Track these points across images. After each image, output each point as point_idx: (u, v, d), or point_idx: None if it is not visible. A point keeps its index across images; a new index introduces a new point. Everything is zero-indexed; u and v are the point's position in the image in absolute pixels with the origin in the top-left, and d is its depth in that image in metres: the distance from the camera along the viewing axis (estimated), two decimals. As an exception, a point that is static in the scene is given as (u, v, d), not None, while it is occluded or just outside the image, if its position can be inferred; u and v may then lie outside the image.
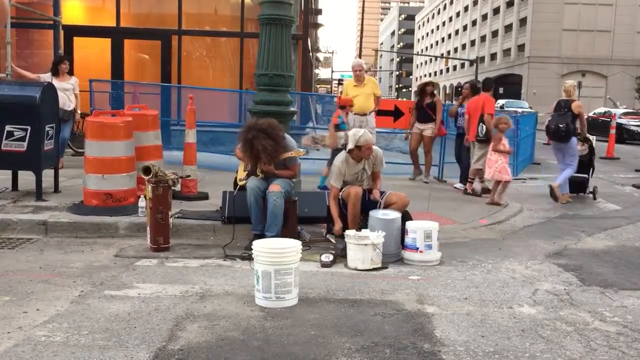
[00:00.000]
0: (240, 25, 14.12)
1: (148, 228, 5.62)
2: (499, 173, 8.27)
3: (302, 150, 6.11)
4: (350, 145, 5.85)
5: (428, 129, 9.93)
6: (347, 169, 5.92)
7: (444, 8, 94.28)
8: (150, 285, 4.51)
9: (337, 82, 72.37)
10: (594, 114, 27.37)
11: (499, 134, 8.37)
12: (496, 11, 69.52)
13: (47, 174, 7.13)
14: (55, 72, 9.36)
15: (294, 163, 6.00)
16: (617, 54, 58.12)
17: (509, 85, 59.99)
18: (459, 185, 9.65)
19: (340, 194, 5.88)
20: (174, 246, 5.65)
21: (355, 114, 9.08)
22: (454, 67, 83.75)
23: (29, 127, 6.66)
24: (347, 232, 5.32)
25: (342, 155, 6.00)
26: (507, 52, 66.07)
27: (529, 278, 5.06)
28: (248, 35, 13.88)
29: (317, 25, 33.10)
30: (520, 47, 62.02)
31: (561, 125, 8.66)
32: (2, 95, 6.71)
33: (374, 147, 6.08)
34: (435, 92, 10.01)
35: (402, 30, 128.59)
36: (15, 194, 7.12)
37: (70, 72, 9.75)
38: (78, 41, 13.41)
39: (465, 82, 10.88)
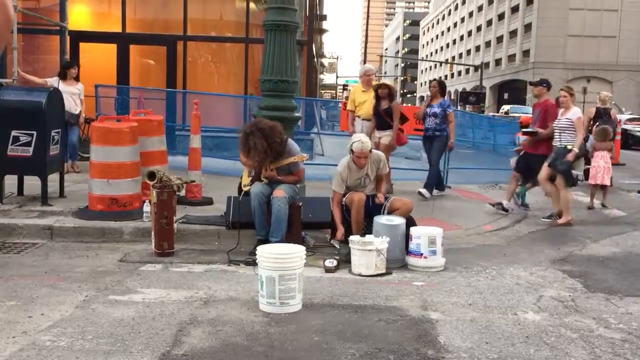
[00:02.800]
0: (245, 30, 14.16)
1: (153, 233, 5.64)
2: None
3: (306, 155, 6.12)
4: (348, 148, 5.85)
5: (385, 137, 8.90)
6: (350, 175, 5.90)
7: (449, 14, 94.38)
8: (154, 290, 4.52)
9: (341, 87, 72.43)
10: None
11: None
12: (501, 17, 69.56)
13: (53, 179, 7.16)
14: (64, 76, 9.41)
15: (298, 168, 6.00)
16: (622, 59, 58.04)
17: (513, 91, 59.97)
18: (423, 191, 8.81)
19: (344, 199, 5.88)
20: (178, 251, 5.66)
21: (363, 119, 9.07)
22: (459, 73, 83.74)
23: (35, 132, 6.69)
24: (351, 237, 5.32)
25: (344, 160, 5.99)
26: (512, 57, 66.03)
27: (534, 284, 5.04)
28: (253, 40, 13.92)
29: (322, 31, 33.15)
30: (525, 53, 62.00)
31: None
32: (8, 101, 6.75)
33: (376, 152, 6.07)
34: (393, 94, 9.19)
35: (407, 35, 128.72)
36: (20, 198, 7.15)
37: (77, 78, 9.81)
38: (84, 46, 13.47)
39: (433, 80, 10.38)
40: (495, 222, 7.62)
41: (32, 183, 7.14)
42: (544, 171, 7.87)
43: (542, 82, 8.48)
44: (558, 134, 7.77)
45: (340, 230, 5.77)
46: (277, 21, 6.49)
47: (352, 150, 5.82)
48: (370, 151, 5.87)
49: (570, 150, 7.59)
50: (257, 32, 13.82)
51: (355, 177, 5.91)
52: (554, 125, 7.85)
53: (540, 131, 8.06)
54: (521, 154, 8.43)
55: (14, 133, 6.66)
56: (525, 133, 8.58)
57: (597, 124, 11.25)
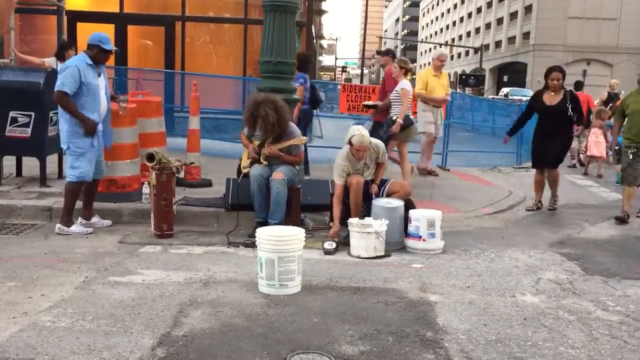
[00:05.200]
0: (244, 11, 14.05)
1: (152, 215, 5.64)
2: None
3: (305, 138, 6.09)
4: (346, 139, 5.75)
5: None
6: (350, 165, 5.77)
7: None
8: (154, 271, 4.53)
9: (340, 69, 72.12)
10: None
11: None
12: (501, -2, 69.06)
13: (51, 160, 7.15)
14: (61, 57, 9.34)
15: (298, 151, 5.99)
16: (622, 42, 57.71)
17: (513, 73, 59.69)
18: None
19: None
20: (177, 233, 5.67)
21: (433, 106, 9.03)
22: (459, 55, 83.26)
23: (33, 113, 6.68)
24: (350, 220, 5.32)
25: (343, 151, 5.81)
26: (512, 39, 65.65)
27: (532, 267, 5.06)
28: (252, 21, 13.82)
29: (321, 12, 32.94)
30: (526, 35, 61.62)
31: None
32: (6, 82, 6.71)
33: (376, 141, 5.97)
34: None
35: (407, 17, 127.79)
36: (19, 179, 7.14)
37: (74, 59, 9.74)
38: (82, 27, 13.35)
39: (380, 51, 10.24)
40: (494, 205, 7.63)
41: (30, 164, 7.13)
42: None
43: (387, 51, 9.21)
44: (391, 106, 8.06)
45: (335, 228, 5.55)
46: (277, 2, 6.42)
47: (350, 143, 5.63)
48: (370, 142, 5.71)
49: (395, 121, 7.80)
50: (256, 12, 13.71)
51: (354, 167, 5.82)
52: (391, 98, 8.12)
53: (379, 104, 8.48)
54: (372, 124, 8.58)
55: (12, 114, 6.64)
56: (366, 106, 9.03)
57: (610, 105, 12.98)
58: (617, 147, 8.02)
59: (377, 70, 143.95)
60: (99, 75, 5.64)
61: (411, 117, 8.11)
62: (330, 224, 5.94)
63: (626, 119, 7.37)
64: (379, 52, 9.17)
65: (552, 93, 7.51)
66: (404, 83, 7.94)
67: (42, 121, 6.68)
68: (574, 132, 7.91)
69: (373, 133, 7.88)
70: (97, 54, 5.55)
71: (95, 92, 5.53)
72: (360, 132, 5.62)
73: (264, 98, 5.70)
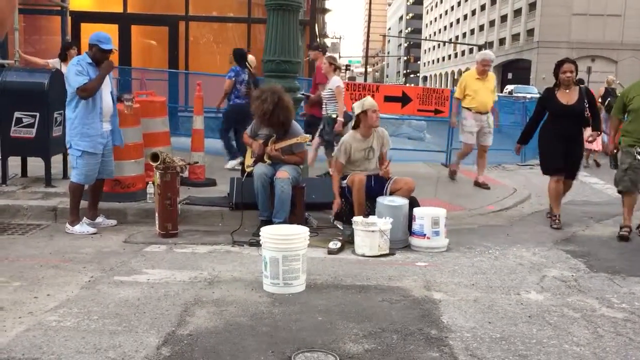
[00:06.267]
0: (247, 10, 14.07)
1: (156, 214, 5.65)
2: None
3: (308, 136, 6.10)
4: (357, 111, 5.85)
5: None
6: (355, 145, 5.87)
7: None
8: (159, 271, 4.54)
9: (344, 67, 72.05)
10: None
11: None
12: (505, -5, 68.87)
13: (56, 160, 7.17)
14: (64, 58, 9.37)
15: (300, 149, 5.99)
16: (627, 38, 57.49)
17: (517, 71, 59.55)
18: (232, 163, 8.64)
19: (345, 181, 5.85)
20: (182, 232, 5.68)
21: (475, 112, 8.25)
22: (462, 53, 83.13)
23: (38, 114, 6.69)
24: (355, 218, 5.32)
25: (350, 132, 6.02)
26: (515, 37, 65.50)
27: (537, 264, 5.06)
28: (255, 20, 13.84)
29: (325, 11, 32.89)
30: (530, 32, 61.46)
31: None
32: (10, 82, 6.73)
33: (381, 128, 6.03)
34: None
35: (410, 15, 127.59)
36: (24, 180, 7.16)
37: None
38: (85, 27, 13.40)
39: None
40: (499, 202, 7.62)
41: (35, 164, 7.15)
42: (316, 140, 8.22)
43: (317, 46, 9.23)
44: (324, 103, 8.05)
45: (337, 203, 5.76)
46: (280, 1, 6.43)
47: (364, 112, 5.78)
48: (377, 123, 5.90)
49: (336, 120, 7.83)
50: (260, 11, 13.74)
51: (360, 147, 5.87)
52: (322, 95, 8.11)
53: (311, 96, 8.52)
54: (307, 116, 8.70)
55: (16, 114, 6.65)
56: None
57: (608, 100, 13.35)
58: (615, 151, 6.53)
59: (380, 69, 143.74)
60: None
61: (349, 112, 8.00)
62: (334, 222, 5.94)
63: (627, 116, 6.31)
64: (310, 47, 9.15)
65: (567, 90, 6.58)
66: (337, 80, 7.97)
67: (46, 122, 6.70)
68: (590, 138, 7.13)
69: (309, 127, 8.10)
70: (97, 54, 5.57)
71: (98, 91, 5.55)
72: (369, 97, 5.96)
73: (279, 95, 5.75)
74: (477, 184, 8.50)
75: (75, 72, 5.44)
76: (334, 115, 7.83)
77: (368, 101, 5.85)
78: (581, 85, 6.80)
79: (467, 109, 8.34)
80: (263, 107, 5.70)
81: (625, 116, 6.36)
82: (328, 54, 8.63)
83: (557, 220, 6.55)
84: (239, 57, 8.74)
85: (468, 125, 8.35)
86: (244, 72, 8.58)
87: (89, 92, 5.44)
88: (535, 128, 6.96)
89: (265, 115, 5.74)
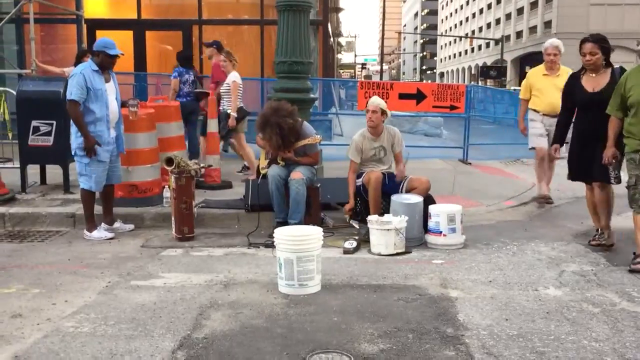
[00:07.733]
0: (260, 12, 14.10)
1: (173, 218, 5.69)
2: None
3: (320, 136, 6.09)
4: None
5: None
6: (365, 144, 5.91)
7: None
8: (175, 274, 4.57)
9: (360, 66, 72.03)
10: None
11: None
12: (521, -13, 68.18)
13: (73, 167, 7.22)
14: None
15: (313, 150, 5.99)
16: (647, 27, 56.56)
17: (536, 64, 58.58)
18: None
19: (361, 179, 5.85)
20: (198, 235, 5.71)
21: (543, 114, 7.15)
22: (479, 47, 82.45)
23: (55, 122, 6.78)
24: (370, 217, 5.31)
25: (361, 130, 6.06)
26: (533, 29, 64.75)
27: (555, 259, 4.99)
28: (268, 22, 13.84)
29: (338, 10, 32.86)
30: (547, 24, 60.72)
31: None
32: (27, 91, 6.83)
33: (392, 127, 6.03)
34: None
35: (425, 11, 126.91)
36: (43, 187, 7.26)
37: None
38: (101, 34, 13.48)
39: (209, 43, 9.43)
40: (517, 197, 7.54)
41: (54, 172, 7.24)
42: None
43: (213, 43, 8.89)
44: (222, 99, 7.95)
45: (350, 204, 5.83)
46: (290, 1, 6.43)
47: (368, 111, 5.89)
48: (384, 116, 5.92)
49: (229, 116, 7.77)
50: (273, 13, 13.71)
51: (371, 146, 5.89)
52: (220, 91, 8.01)
53: (209, 92, 8.37)
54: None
55: (34, 123, 6.75)
56: (200, 94, 8.83)
57: None
58: (614, 160, 5.15)
59: (397, 66, 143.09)
60: (107, 81, 5.69)
61: (245, 108, 8.03)
62: (350, 221, 5.93)
63: (628, 112, 4.88)
64: (205, 44, 9.13)
65: (593, 75, 5.32)
66: (234, 75, 7.90)
67: (63, 129, 6.76)
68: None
69: (205, 127, 7.98)
70: (103, 60, 5.62)
71: (103, 97, 5.59)
72: (376, 97, 6.04)
73: (269, 116, 5.71)
74: (542, 198, 7.28)
75: (77, 84, 5.48)
76: (228, 111, 7.82)
77: (370, 101, 5.93)
78: (615, 67, 5.41)
79: (534, 110, 7.32)
80: (273, 142, 5.74)
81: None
82: (226, 49, 8.51)
83: (595, 236, 5.52)
84: (183, 59, 9.03)
85: (536, 128, 7.23)
86: (188, 73, 8.75)
87: (71, 112, 5.54)
88: (568, 123, 5.65)
89: (280, 147, 5.79)
